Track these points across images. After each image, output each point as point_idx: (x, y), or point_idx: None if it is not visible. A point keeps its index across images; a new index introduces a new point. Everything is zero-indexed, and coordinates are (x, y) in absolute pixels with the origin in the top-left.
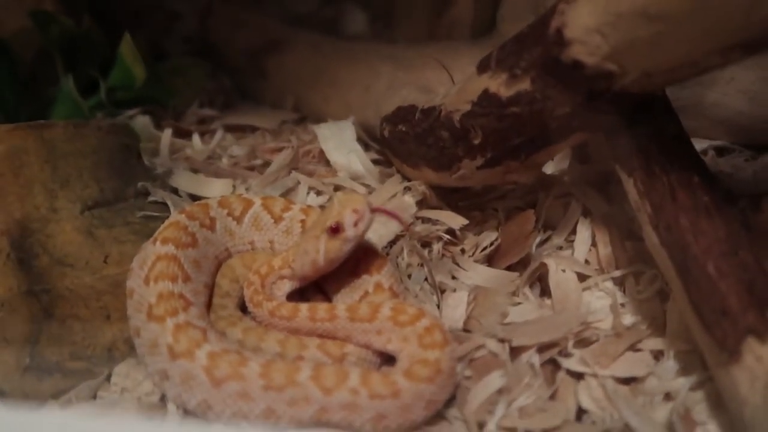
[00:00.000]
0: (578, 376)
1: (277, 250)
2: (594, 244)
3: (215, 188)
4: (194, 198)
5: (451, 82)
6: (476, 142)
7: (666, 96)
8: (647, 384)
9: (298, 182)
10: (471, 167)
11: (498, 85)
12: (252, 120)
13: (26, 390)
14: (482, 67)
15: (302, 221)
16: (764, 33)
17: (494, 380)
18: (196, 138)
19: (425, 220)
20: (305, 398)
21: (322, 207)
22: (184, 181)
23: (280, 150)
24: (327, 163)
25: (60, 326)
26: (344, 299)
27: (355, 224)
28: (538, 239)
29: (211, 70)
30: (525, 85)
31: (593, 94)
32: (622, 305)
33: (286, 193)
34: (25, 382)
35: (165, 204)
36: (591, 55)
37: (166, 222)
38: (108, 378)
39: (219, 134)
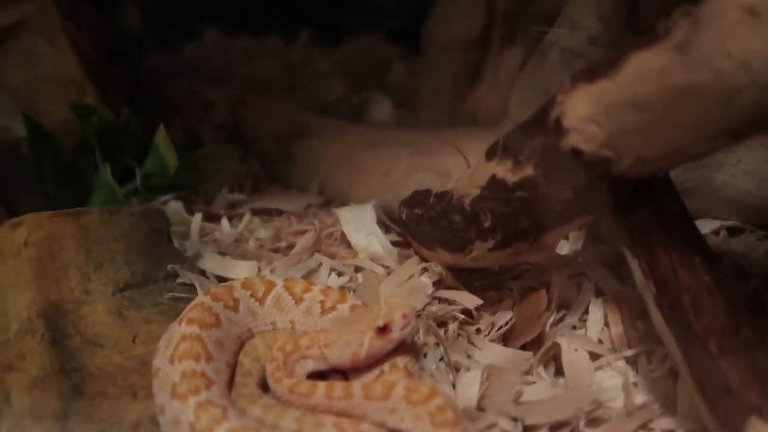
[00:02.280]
0: None
1: (298, 330)
2: (606, 323)
3: (241, 270)
4: (221, 279)
5: (467, 166)
6: (486, 225)
7: (668, 176)
8: None
9: (320, 263)
10: (483, 249)
11: (504, 170)
12: (278, 204)
13: None
14: (490, 154)
15: (321, 302)
16: (746, 121)
17: None
18: (224, 222)
19: (441, 300)
20: None
21: (341, 288)
22: (211, 263)
23: (303, 233)
24: (348, 245)
25: (89, 404)
26: (360, 378)
27: (402, 328)
28: (552, 318)
29: (242, 155)
30: (529, 171)
31: (593, 179)
32: (635, 384)
33: (309, 274)
34: None
35: (193, 286)
36: (588, 142)
37: (192, 303)
38: None
39: (246, 218)
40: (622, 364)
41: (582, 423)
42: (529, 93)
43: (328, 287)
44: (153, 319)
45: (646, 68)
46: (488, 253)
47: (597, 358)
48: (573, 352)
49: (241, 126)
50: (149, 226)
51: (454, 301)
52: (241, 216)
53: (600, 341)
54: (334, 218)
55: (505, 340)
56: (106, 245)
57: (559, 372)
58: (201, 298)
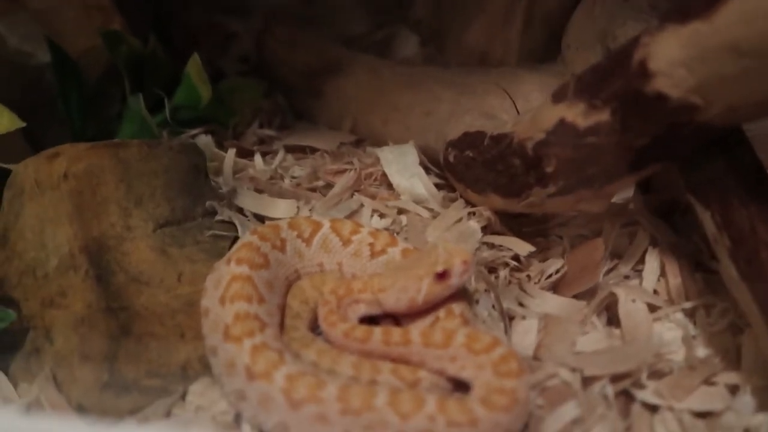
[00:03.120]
0: (653, 409)
1: (345, 273)
2: (662, 274)
3: (280, 209)
4: (259, 218)
5: (515, 108)
6: (549, 170)
7: (741, 128)
8: (724, 419)
9: (362, 205)
10: (542, 195)
11: (575, 115)
12: (311, 141)
13: (105, 406)
14: (558, 97)
15: (370, 245)
16: None
17: (568, 410)
18: (258, 158)
19: (491, 246)
20: (382, 423)
21: (388, 231)
22: (249, 201)
23: (342, 172)
24: (389, 186)
25: (136, 344)
26: (415, 324)
27: (461, 275)
28: (604, 268)
29: (266, 89)
30: (604, 116)
31: (674, 126)
32: (693, 337)
33: (350, 216)
34: (104, 398)
35: (231, 223)
36: (675, 88)
37: (239, 243)
38: (183, 396)
39: (280, 155)
40: (680, 316)
41: (644, 376)
42: (584, 33)
43: (378, 230)
44: (196, 258)
45: (753, 9)
46: (547, 199)
47: (654, 310)
48: (630, 303)
49: (266, 58)
50: (188, 161)
51: (505, 247)
52: (274, 153)
53: (656, 292)
54: (373, 158)
55: (555, 288)
56: (147, 180)
57: (611, 322)
58: (248, 237)
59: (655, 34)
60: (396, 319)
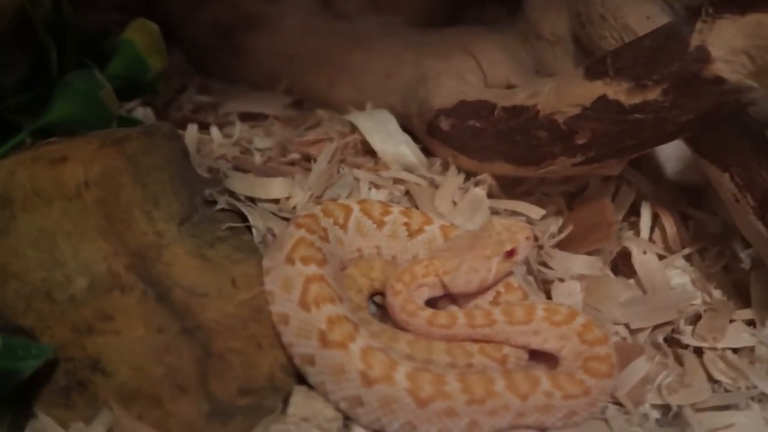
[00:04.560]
0: (697, 351)
1: (384, 256)
2: (654, 225)
3: (274, 190)
4: (252, 201)
5: (480, 71)
6: (581, 142)
7: None
8: (757, 352)
9: (358, 178)
10: (566, 164)
11: (617, 92)
12: (253, 106)
13: None
14: (594, 74)
15: (406, 224)
16: None
17: (640, 365)
18: (215, 131)
19: (503, 212)
20: (504, 407)
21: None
22: (239, 183)
23: (316, 143)
24: (369, 154)
25: (220, 363)
26: (476, 301)
27: (525, 250)
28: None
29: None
30: (653, 95)
31: (721, 105)
32: (692, 281)
33: (351, 192)
34: (211, 428)
35: (232, 211)
36: (734, 73)
37: (293, 241)
38: (282, 410)
39: (238, 127)
40: (682, 262)
41: (682, 322)
42: None
43: (408, 208)
44: (235, 258)
45: None
46: (570, 167)
47: (661, 259)
48: (642, 254)
49: (158, 11)
50: (178, 147)
51: (517, 212)
52: (221, 124)
53: (653, 242)
54: (346, 126)
55: (561, 247)
56: (155, 176)
57: (618, 273)
58: (299, 233)
59: (709, 23)
60: (453, 299)
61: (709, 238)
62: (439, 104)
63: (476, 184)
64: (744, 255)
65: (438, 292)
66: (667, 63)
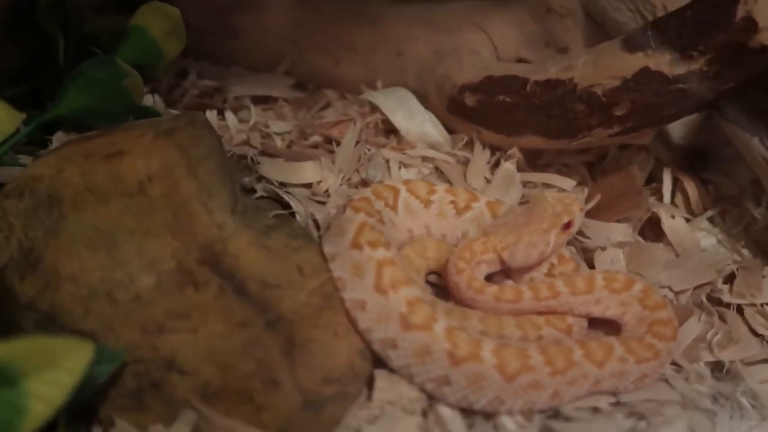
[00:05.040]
0: (737, 308)
1: (434, 235)
2: (676, 189)
3: (306, 174)
4: (283, 186)
5: (492, 45)
6: (619, 113)
7: None
8: None
9: (387, 159)
10: (602, 135)
11: (659, 63)
12: (260, 89)
13: (311, 428)
14: (634, 46)
15: (452, 202)
16: None
17: (692, 326)
18: (230, 116)
19: (533, 185)
20: (583, 375)
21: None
22: (272, 170)
23: (336, 124)
24: (390, 133)
25: (303, 353)
26: (531, 274)
27: (579, 222)
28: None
29: None
30: (698, 65)
31: (761, 72)
32: (719, 241)
33: (383, 173)
34: (306, 419)
35: (269, 198)
36: None
37: (352, 224)
38: (367, 395)
39: (253, 111)
40: (707, 224)
41: (719, 281)
42: None
43: (451, 186)
44: (295, 246)
45: None
46: (606, 138)
47: (687, 222)
48: (671, 219)
49: None
50: (216, 136)
51: (549, 184)
52: (234, 108)
53: (675, 206)
54: (364, 105)
55: (590, 215)
56: (205, 167)
57: (646, 238)
58: (360, 217)
59: None
60: (505, 272)
61: (727, 200)
62: (463, 80)
63: (506, 159)
64: (757, 212)
65: (495, 267)
66: (714, 34)
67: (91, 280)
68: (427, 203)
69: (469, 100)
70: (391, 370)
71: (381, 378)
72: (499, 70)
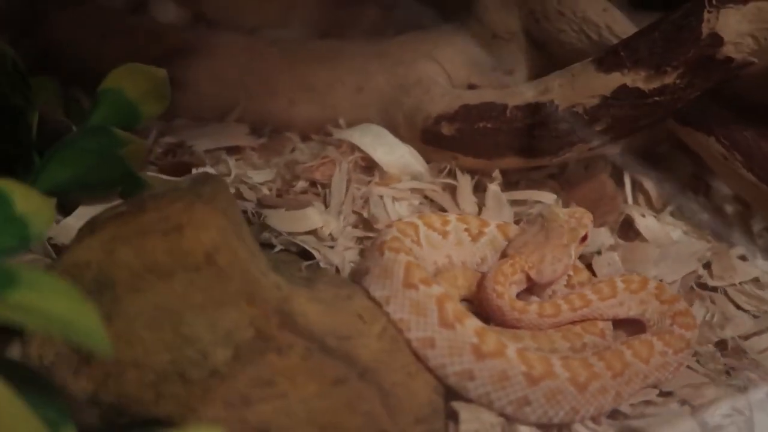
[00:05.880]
0: (723, 291)
1: (455, 263)
2: (635, 188)
3: (310, 220)
4: (292, 236)
5: (446, 74)
6: (600, 128)
7: None
8: (762, 280)
9: (380, 195)
10: (583, 149)
11: (636, 80)
12: (222, 140)
13: None
14: (609, 66)
15: (466, 230)
16: None
17: (697, 311)
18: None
19: (519, 203)
20: (636, 373)
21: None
22: (279, 221)
23: (319, 167)
24: (371, 170)
25: (393, 398)
26: (553, 288)
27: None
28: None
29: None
30: (671, 78)
31: (724, 80)
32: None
33: (378, 210)
34: None
35: (286, 251)
36: (740, 52)
37: (398, 264)
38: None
39: (231, 164)
40: (670, 218)
41: (700, 268)
42: None
43: (461, 214)
44: (344, 294)
45: None
46: (586, 151)
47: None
48: (642, 218)
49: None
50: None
51: (534, 200)
52: (217, 162)
53: (639, 205)
54: (342, 144)
55: None
56: (244, 229)
57: (624, 238)
58: (400, 257)
59: (714, 12)
60: (530, 289)
61: (679, 194)
62: (437, 111)
63: (491, 182)
64: (699, 203)
65: (523, 286)
66: (685, 50)
67: (157, 362)
68: (445, 234)
69: (447, 129)
70: (467, 401)
71: (463, 410)
72: (473, 99)
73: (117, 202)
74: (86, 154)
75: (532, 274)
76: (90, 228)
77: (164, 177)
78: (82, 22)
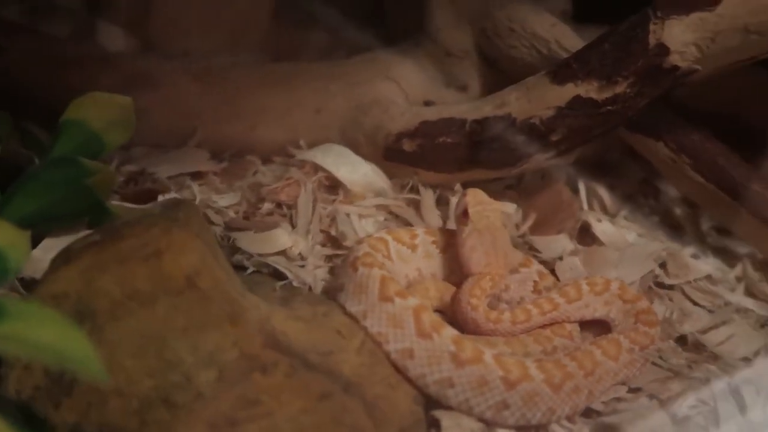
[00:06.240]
0: (676, 288)
1: (425, 275)
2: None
3: (280, 241)
4: (262, 257)
5: (403, 93)
6: (556, 138)
7: None
8: (714, 276)
9: (347, 213)
10: (540, 159)
11: (589, 90)
12: (184, 166)
13: None
14: (563, 78)
15: (434, 242)
16: None
17: (658, 309)
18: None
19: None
20: (606, 371)
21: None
22: (249, 243)
23: (284, 188)
24: (335, 189)
25: (377, 410)
26: (520, 294)
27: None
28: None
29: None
30: (622, 88)
31: (671, 88)
32: (640, 235)
33: (346, 228)
34: None
35: (259, 272)
36: (685, 60)
37: (372, 279)
38: None
39: (196, 189)
40: (625, 222)
41: (657, 268)
42: (452, 17)
43: (428, 228)
44: (321, 311)
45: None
46: (543, 161)
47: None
48: (599, 223)
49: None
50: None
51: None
52: (181, 188)
53: (594, 210)
54: (299, 166)
55: (533, 232)
56: (218, 251)
57: (582, 243)
58: (374, 272)
59: (660, 23)
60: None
61: (629, 198)
62: (398, 128)
63: (453, 195)
64: (650, 205)
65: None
66: (634, 60)
67: (141, 389)
68: (413, 247)
69: (408, 146)
70: (448, 408)
71: (445, 417)
72: (432, 115)
73: (85, 232)
74: (52, 185)
75: (505, 283)
76: (64, 259)
77: (129, 205)
78: (31, 53)
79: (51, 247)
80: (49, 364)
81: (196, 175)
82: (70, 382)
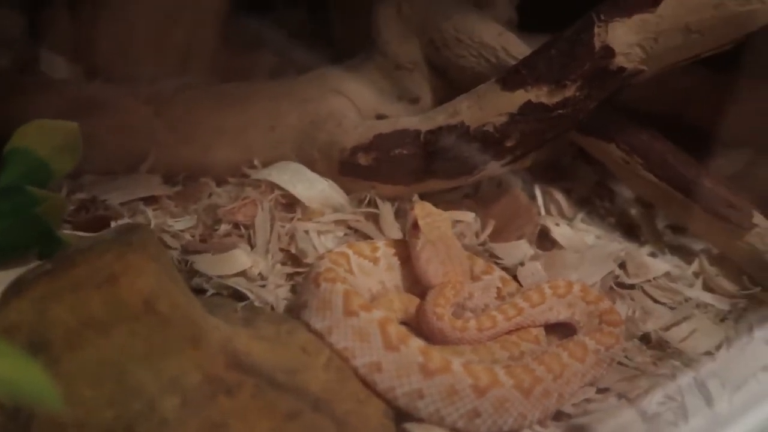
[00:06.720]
0: (637, 287)
1: (388, 288)
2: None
3: (239, 262)
4: (221, 278)
5: (355, 107)
6: (509, 144)
7: None
8: (673, 273)
9: (306, 230)
10: (496, 166)
11: (539, 95)
12: (137, 192)
13: None
14: (513, 85)
15: (395, 254)
16: None
17: (621, 309)
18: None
19: None
20: (574, 373)
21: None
22: (206, 265)
23: (240, 209)
24: (292, 206)
25: (347, 427)
26: (484, 301)
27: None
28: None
29: None
30: (571, 91)
31: (619, 89)
32: (598, 237)
33: (305, 245)
34: None
35: (220, 294)
36: (631, 62)
37: (335, 294)
38: None
39: (150, 214)
40: (582, 225)
41: (616, 268)
42: (399, 30)
43: (389, 240)
44: (285, 329)
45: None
46: (499, 168)
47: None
48: (557, 227)
49: None
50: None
51: (455, 220)
52: (135, 213)
53: (551, 214)
54: (254, 186)
55: (494, 239)
56: (175, 275)
57: (541, 247)
58: (336, 287)
59: (604, 26)
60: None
61: (586, 201)
62: (352, 143)
63: (411, 208)
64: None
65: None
66: (581, 63)
67: (102, 420)
68: (375, 260)
69: (363, 159)
70: (418, 420)
71: (416, 429)
72: (386, 128)
73: (35, 263)
74: (0, 216)
75: (468, 291)
76: (15, 290)
77: (81, 234)
78: None
79: (1, 279)
80: (3, 400)
81: (150, 200)
82: (27, 417)
